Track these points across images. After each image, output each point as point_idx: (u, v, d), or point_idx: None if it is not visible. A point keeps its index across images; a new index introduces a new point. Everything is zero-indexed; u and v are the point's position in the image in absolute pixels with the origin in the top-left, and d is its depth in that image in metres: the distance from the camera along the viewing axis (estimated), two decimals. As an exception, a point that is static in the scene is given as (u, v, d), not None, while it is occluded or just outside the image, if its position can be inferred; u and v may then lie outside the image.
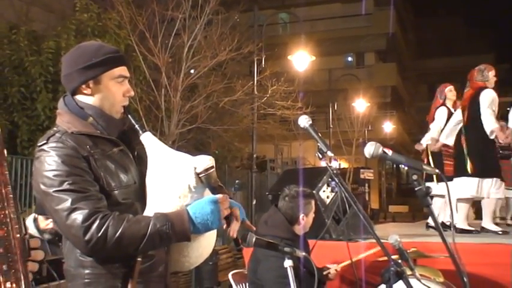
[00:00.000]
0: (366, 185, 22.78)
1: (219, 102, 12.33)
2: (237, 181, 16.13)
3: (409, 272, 2.69)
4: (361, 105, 25.15)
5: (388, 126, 30.50)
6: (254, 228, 2.05)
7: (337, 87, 25.69)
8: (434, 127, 6.68)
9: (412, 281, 2.49)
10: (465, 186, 5.68)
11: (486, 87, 5.91)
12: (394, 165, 33.26)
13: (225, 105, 12.46)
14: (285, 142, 24.26)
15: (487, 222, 5.79)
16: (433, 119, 6.82)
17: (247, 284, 3.90)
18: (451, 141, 6.34)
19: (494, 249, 4.34)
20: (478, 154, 5.80)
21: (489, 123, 5.69)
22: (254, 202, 13.11)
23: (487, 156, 5.81)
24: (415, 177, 1.92)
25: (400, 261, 2.69)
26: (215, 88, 12.12)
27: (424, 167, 1.95)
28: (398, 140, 31.89)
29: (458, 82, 7.93)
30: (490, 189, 5.67)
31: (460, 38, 43.53)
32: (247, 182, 14.67)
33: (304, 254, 2.27)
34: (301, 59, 14.43)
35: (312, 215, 3.80)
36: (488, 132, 5.70)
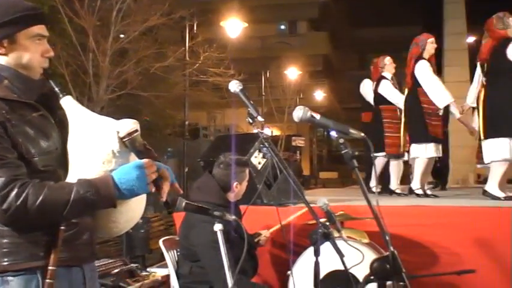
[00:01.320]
0: (298, 152, 23.09)
1: (150, 68, 12.09)
2: (169, 149, 15.98)
3: (336, 234, 2.77)
4: (293, 73, 25.34)
5: (319, 95, 30.96)
6: (181, 192, 2.03)
7: (269, 55, 25.76)
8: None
9: (339, 242, 2.57)
10: (497, 148, 5.11)
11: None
12: (325, 133, 33.93)
13: (156, 71, 12.23)
14: (218, 109, 24.19)
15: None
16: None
17: (177, 250, 3.89)
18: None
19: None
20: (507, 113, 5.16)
21: None
22: (186, 169, 13.06)
23: None
24: (341, 140, 1.94)
25: (327, 223, 2.77)
26: (146, 53, 11.87)
27: (351, 130, 1.97)
28: (329, 107, 32.43)
29: (388, 52, 8.05)
30: None
31: (390, 9, 44.38)
32: (180, 149, 14.57)
33: (234, 217, 2.27)
34: (234, 26, 14.33)
35: (245, 183, 3.81)
36: None
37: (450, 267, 3.95)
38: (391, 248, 1.85)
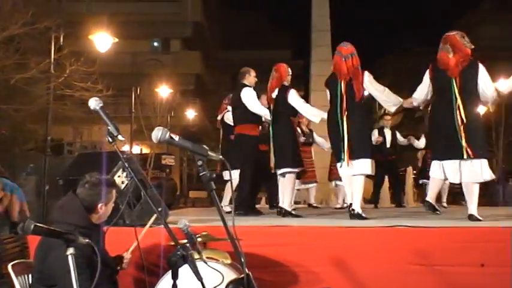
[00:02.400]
0: (167, 170, 22.88)
1: (9, 78, 11.34)
2: (31, 165, 15.08)
3: (196, 256, 2.74)
4: (164, 91, 25.15)
5: (191, 113, 31.02)
6: (28, 214, 1.90)
7: (141, 72, 25.35)
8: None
9: (199, 264, 2.55)
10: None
11: (477, 61, 5.36)
12: (196, 152, 33.86)
13: (17, 82, 11.51)
14: (85, 125, 23.31)
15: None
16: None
17: (30, 275, 3.63)
18: None
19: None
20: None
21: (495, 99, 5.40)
22: (47, 187, 12.37)
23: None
24: (200, 162, 1.94)
25: (188, 245, 2.74)
26: (5, 63, 11.12)
27: (209, 153, 1.97)
28: (200, 127, 32.58)
29: (258, 74, 8.32)
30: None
31: (261, 33, 45.86)
32: (42, 166, 13.78)
33: (87, 241, 2.16)
34: (104, 40, 13.94)
35: (111, 205, 3.66)
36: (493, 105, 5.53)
37: (309, 285, 4.08)
38: (246, 270, 1.87)
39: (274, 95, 6.56)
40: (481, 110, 5.78)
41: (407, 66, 33.88)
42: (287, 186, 6.43)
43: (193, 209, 14.18)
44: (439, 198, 10.37)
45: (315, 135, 9.81)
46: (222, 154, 7.90)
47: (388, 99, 5.86)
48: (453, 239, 4.26)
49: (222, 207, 2.24)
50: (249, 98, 6.93)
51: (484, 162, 5.21)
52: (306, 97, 7.10)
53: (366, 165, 5.65)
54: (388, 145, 9.94)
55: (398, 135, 10.45)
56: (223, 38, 45.86)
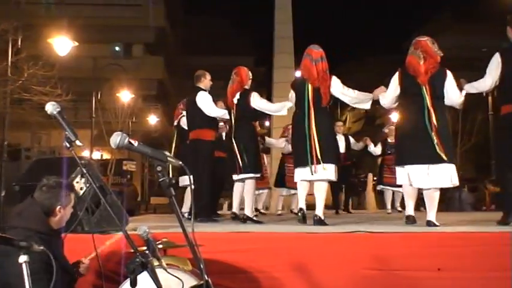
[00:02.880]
0: (128, 176, 22.61)
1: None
2: (-15, 171, 14.63)
3: (156, 263, 2.72)
4: (126, 96, 24.88)
5: (153, 119, 30.76)
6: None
7: (102, 76, 25.00)
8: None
9: (159, 271, 2.52)
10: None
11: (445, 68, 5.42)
12: (158, 158, 33.60)
13: (-29, 86, 11.21)
14: (44, 130, 22.85)
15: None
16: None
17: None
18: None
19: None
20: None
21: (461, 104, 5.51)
22: (3, 194, 12.05)
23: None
24: (159, 168, 1.93)
25: (147, 252, 2.71)
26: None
27: (169, 159, 1.96)
28: (162, 132, 32.30)
29: (221, 79, 8.33)
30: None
31: (224, 39, 45.91)
32: (-2, 171, 13.42)
33: (42, 248, 2.12)
34: (63, 44, 13.70)
35: (70, 209, 3.59)
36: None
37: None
38: (205, 277, 1.86)
39: (235, 99, 6.54)
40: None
41: (368, 74, 34.39)
42: (249, 191, 6.44)
43: (154, 215, 14.02)
44: (393, 203, 10.65)
45: (266, 138, 9.96)
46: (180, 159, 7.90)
47: (360, 100, 5.90)
48: (411, 244, 4.34)
49: (182, 213, 2.23)
50: (205, 101, 6.88)
51: (453, 167, 5.27)
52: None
53: (331, 172, 5.68)
54: (342, 150, 10.08)
55: (352, 140, 10.58)
56: (186, 43, 45.69)
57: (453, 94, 5.37)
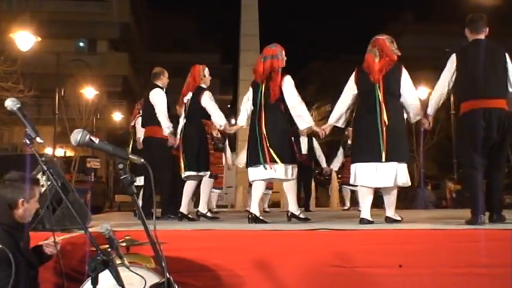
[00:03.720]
0: (92, 173, 22.32)
1: None
2: None
3: (118, 261, 2.70)
4: (90, 92, 24.54)
5: (118, 116, 30.43)
6: None
7: (66, 72, 24.61)
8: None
9: (121, 269, 2.51)
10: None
11: (401, 64, 5.37)
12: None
13: None
14: (6, 127, 22.35)
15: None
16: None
17: None
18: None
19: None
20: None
21: (416, 114, 5.41)
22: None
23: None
24: (120, 166, 1.92)
25: (109, 249, 2.69)
26: None
27: (131, 156, 1.96)
28: (128, 129, 32.00)
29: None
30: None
31: (190, 36, 45.69)
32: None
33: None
34: (26, 39, 13.43)
35: (34, 202, 3.54)
36: (416, 116, 5.40)
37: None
38: (167, 274, 1.86)
39: (186, 99, 6.56)
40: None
41: (333, 73, 34.72)
42: (204, 189, 6.52)
43: (119, 213, 13.87)
44: (357, 202, 10.83)
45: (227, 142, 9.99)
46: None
47: (299, 116, 5.71)
48: (373, 241, 4.40)
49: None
50: (158, 99, 6.81)
51: (402, 166, 5.22)
52: (234, 101, 6.99)
53: (280, 171, 5.61)
54: (304, 152, 10.16)
55: (315, 144, 10.62)
56: (152, 40, 45.37)
57: (408, 92, 5.32)
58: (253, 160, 5.70)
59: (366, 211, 5.32)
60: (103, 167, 28.66)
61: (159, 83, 7.03)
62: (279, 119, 5.67)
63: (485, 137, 4.95)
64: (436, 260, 4.30)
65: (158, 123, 6.72)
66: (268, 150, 5.55)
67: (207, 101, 6.46)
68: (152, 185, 2.16)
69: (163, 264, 1.83)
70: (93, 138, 1.99)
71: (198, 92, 6.51)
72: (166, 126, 6.63)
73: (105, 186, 24.26)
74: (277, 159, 5.55)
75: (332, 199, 13.95)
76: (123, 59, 34.18)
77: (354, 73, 5.57)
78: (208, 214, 6.65)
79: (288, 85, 5.66)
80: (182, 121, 6.62)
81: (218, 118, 6.43)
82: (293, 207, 5.83)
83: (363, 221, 5.22)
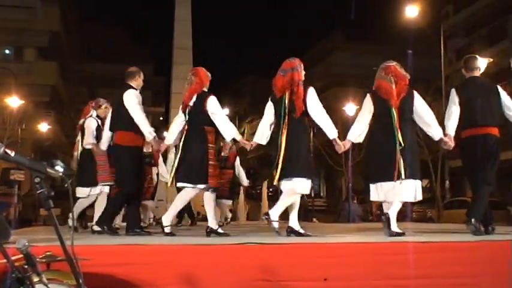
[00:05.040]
0: (16, 186, 21.42)
1: None
2: None
3: (36, 278, 2.60)
4: (15, 101, 23.66)
5: (44, 126, 29.47)
6: None
7: (-10, 80, 23.69)
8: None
9: (39, 287, 2.42)
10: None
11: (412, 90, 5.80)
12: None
13: None
14: None
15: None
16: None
17: None
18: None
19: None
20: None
21: (439, 131, 5.82)
22: None
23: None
24: (37, 180, 1.86)
25: (26, 266, 2.59)
26: None
27: (49, 170, 1.90)
28: (54, 140, 31.07)
29: (118, 87, 7.98)
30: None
31: (122, 47, 45.03)
32: None
33: None
34: None
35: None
36: (439, 132, 5.81)
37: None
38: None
39: (191, 102, 5.92)
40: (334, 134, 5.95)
41: (266, 89, 35.08)
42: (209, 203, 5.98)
43: (44, 227, 13.37)
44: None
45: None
46: (79, 166, 7.48)
47: (326, 126, 5.68)
48: (298, 254, 4.46)
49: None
50: (132, 101, 6.14)
51: (418, 183, 5.65)
52: (166, 114, 6.65)
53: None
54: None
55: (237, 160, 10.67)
56: (83, 49, 44.36)
57: (426, 113, 5.74)
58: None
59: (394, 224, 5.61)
60: (27, 179, 27.61)
61: (133, 83, 6.36)
62: (302, 133, 5.62)
63: (481, 158, 5.77)
64: (361, 272, 4.41)
65: (127, 129, 6.15)
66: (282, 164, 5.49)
67: (215, 106, 5.91)
68: (70, 198, 2.07)
69: (80, 281, 1.78)
70: (8, 151, 1.92)
71: (202, 96, 5.92)
72: (147, 131, 6.06)
73: (35, 199, 23.34)
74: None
75: (263, 211, 14.04)
76: (52, 68, 33.15)
77: (369, 99, 5.84)
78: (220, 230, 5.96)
79: (312, 97, 5.60)
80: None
81: (220, 126, 5.91)
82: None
83: (392, 233, 5.44)
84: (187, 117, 5.94)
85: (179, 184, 5.93)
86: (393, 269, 4.48)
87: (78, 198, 7.36)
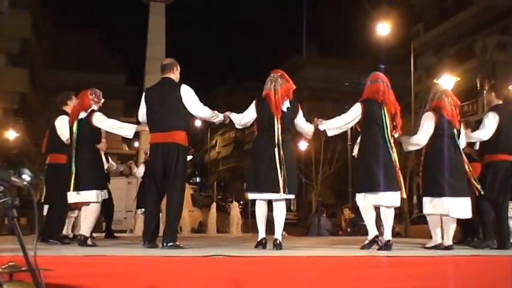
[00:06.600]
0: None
1: None
2: None
3: (-2, 289, 2.56)
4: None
5: (12, 134, 28.93)
6: None
7: (-44, 86, 23.17)
8: None
9: (0, 298, 2.38)
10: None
11: None
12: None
13: None
14: None
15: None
16: None
17: None
18: None
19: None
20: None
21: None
22: None
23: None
24: (1, 188, 1.84)
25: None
26: None
27: (13, 178, 1.88)
28: (22, 149, 30.53)
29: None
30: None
31: (95, 55, 44.66)
32: None
33: None
34: None
35: None
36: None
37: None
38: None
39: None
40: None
41: (238, 100, 35.19)
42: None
43: (11, 236, 13.08)
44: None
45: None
46: (46, 176, 7.35)
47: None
48: (268, 267, 4.46)
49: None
50: (62, 126, 6.62)
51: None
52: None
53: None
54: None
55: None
56: (54, 57, 43.75)
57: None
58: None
59: (437, 238, 6.17)
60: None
61: (66, 108, 6.85)
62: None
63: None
64: (331, 286, 4.44)
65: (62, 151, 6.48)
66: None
67: (99, 120, 6.22)
68: (35, 207, 2.04)
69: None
70: (-28, 159, 1.89)
71: (88, 114, 6.30)
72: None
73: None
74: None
75: (232, 225, 14.02)
76: (22, 75, 32.54)
77: (360, 105, 5.94)
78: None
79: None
80: None
81: (116, 130, 6.40)
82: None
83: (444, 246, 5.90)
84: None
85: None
86: (362, 283, 4.52)
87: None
